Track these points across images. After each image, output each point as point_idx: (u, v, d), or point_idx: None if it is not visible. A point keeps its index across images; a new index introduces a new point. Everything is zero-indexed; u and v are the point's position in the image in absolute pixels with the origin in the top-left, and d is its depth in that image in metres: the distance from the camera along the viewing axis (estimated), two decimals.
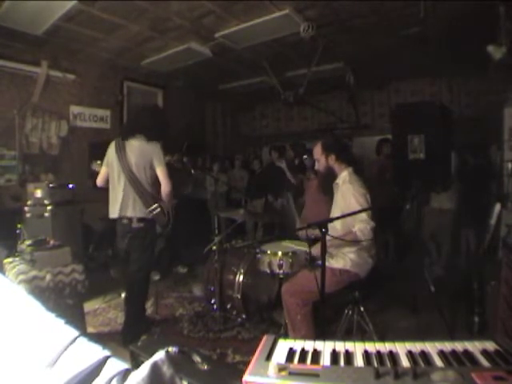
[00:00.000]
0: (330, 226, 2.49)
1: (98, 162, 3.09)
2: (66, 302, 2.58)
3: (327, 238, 1.86)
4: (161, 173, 2.79)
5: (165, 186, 2.80)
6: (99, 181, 2.94)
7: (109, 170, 2.87)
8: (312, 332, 2.33)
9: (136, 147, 2.77)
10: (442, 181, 3.86)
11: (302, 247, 2.66)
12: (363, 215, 2.22)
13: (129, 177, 2.72)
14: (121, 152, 2.76)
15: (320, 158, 2.57)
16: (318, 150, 2.57)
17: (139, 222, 2.76)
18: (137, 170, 2.73)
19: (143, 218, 2.76)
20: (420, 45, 4.44)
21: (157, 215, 2.79)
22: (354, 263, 2.36)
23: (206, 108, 7.94)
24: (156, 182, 2.86)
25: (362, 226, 2.21)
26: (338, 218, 2.23)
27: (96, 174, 3.06)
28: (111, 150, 2.86)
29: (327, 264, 2.32)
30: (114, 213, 2.81)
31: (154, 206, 2.76)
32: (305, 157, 4.41)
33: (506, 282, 2.21)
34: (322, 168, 2.59)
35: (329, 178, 2.57)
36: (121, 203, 2.75)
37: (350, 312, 2.60)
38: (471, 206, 4.03)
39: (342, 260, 2.38)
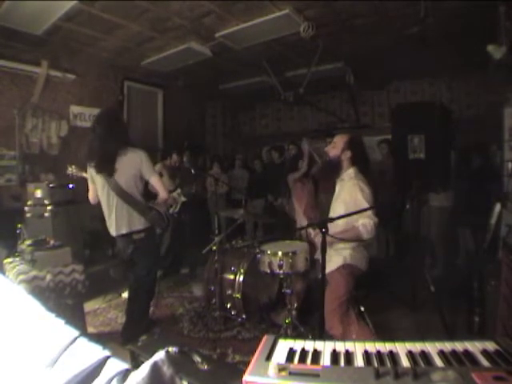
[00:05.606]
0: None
1: (73, 166, 3.29)
2: (65, 302, 2.58)
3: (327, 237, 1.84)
4: (156, 182, 2.74)
5: (162, 194, 2.77)
6: (91, 198, 2.86)
7: (96, 186, 2.77)
8: (359, 322, 2.28)
9: (120, 166, 2.62)
10: (441, 181, 3.86)
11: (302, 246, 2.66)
12: (368, 211, 2.24)
13: (119, 194, 2.64)
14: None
15: (337, 146, 2.53)
16: (341, 139, 2.55)
17: (139, 233, 2.72)
18: (127, 187, 2.65)
19: (142, 229, 2.72)
20: (420, 45, 4.43)
21: (155, 221, 2.78)
22: (351, 257, 2.38)
23: (206, 108, 7.94)
24: (147, 188, 2.86)
25: (365, 221, 2.21)
26: (342, 217, 2.21)
27: (71, 177, 3.34)
28: (92, 170, 2.72)
29: (329, 270, 2.31)
30: (112, 231, 2.75)
31: (152, 213, 2.75)
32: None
33: (506, 282, 2.21)
34: (331, 154, 2.55)
35: (331, 167, 2.55)
36: (116, 221, 2.69)
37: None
38: (471, 205, 4.02)
39: (340, 257, 2.38)
